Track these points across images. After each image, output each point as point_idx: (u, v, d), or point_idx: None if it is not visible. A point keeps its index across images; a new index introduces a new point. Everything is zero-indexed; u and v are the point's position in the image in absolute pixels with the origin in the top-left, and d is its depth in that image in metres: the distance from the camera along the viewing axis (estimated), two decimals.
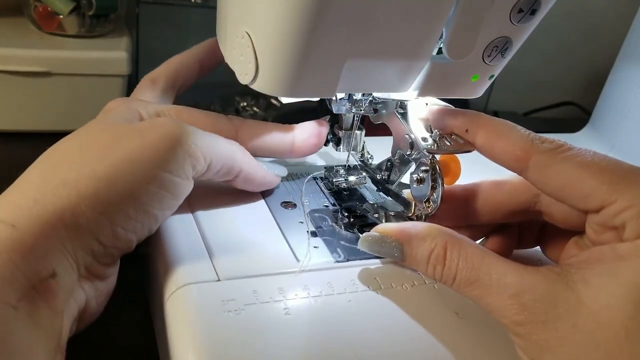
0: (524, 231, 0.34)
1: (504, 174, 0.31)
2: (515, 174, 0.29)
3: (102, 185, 0.26)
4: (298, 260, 0.32)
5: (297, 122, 0.37)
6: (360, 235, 0.31)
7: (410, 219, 0.34)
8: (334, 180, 0.38)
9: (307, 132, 0.37)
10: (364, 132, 0.38)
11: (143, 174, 0.27)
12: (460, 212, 0.33)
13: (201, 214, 0.34)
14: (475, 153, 0.31)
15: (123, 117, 0.31)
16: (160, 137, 0.28)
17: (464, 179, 0.34)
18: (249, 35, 0.27)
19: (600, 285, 0.23)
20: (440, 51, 0.29)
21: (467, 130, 0.30)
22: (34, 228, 0.25)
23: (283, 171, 0.37)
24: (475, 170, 0.35)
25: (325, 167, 0.40)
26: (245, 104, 0.63)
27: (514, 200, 0.31)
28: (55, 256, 0.25)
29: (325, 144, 0.38)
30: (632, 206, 0.24)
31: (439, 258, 0.27)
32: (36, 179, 0.27)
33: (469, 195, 0.32)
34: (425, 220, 0.33)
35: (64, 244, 0.26)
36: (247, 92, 0.62)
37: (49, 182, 0.26)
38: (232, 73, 0.30)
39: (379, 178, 0.38)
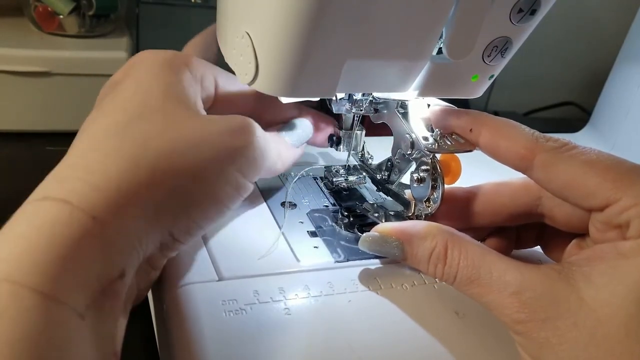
0: (523, 232, 0.34)
1: (505, 174, 0.31)
2: (517, 176, 0.29)
3: (186, 181, 0.26)
4: (298, 260, 0.32)
5: None
6: (361, 235, 0.31)
7: (410, 219, 0.34)
8: (333, 180, 0.38)
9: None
10: (364, 132, 0.38)
11: (224, 174, 0.27)
12: (462, 214, 0.33)
13: None
14: (476, 153, 0.31)
15: (185, 93, 0.29)
16: (242, 147, 0.28)
17: (465, 179, 0.34)
18: (249, 35, 0.27)
19: (601, 284, 0.23)
20: (440, 51, 0.29)
21: (471, 130, 0.30)
22: (115, 220, 0.22)
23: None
24: (476, 170, 0.35)
25: (325, 167, 0.40)
26: None
27: (515, 202, 0.31)
28: (130, 253, 0.23)
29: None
30: (637, 204, 0.24)
31: (440, 257, 0.27)
32: (121, 165, 0.24)
33: (470, 197, 0.32)
34: (425, 220, 0.33)
35: (139, 239, 0.24)
36: None
37: (132, 173, 0.24)
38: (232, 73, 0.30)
39: (379, 178, 0.38)
